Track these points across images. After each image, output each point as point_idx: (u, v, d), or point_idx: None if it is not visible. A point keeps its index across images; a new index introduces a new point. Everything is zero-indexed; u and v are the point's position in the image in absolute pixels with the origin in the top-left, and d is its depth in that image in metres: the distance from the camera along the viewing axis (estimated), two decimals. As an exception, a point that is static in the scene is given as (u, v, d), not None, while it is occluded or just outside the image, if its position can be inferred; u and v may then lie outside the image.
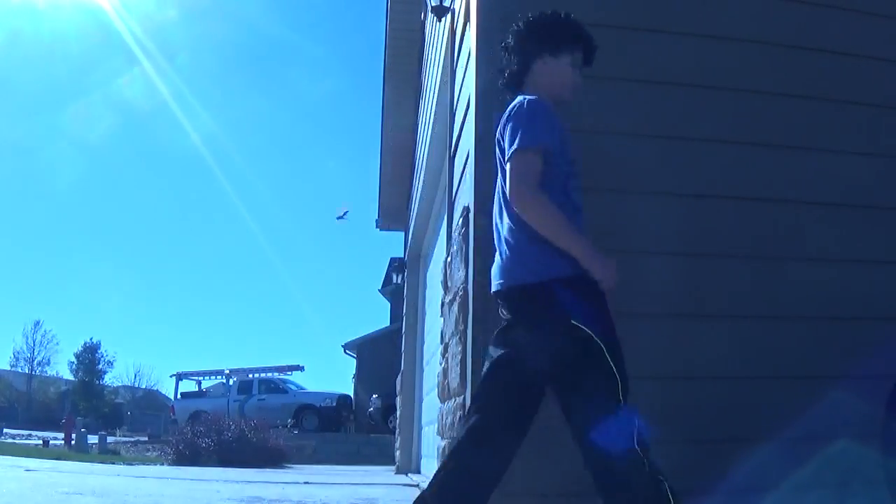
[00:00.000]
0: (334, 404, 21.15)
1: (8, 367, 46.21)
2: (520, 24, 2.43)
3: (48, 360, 47.91)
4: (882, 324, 3.47)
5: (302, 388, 22.58)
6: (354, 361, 23.64)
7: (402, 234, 11.97)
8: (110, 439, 19.82)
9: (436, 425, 5.04)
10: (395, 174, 11.10)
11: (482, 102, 3.53)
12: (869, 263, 3.59)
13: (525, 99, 2.26)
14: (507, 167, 2.19)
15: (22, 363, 47.64)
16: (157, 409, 37.42)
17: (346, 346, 23.87)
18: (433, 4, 5.45)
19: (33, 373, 47.32)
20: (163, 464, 11.88)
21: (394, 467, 10.41)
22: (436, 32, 6.17)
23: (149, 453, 16.16)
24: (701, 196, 3.52)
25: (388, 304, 23.56)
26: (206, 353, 77.00)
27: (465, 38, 4.15)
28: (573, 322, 2.09)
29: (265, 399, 20.90)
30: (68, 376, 46.18)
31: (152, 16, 62.51)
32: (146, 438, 21.96)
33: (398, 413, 10.55)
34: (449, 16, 5.09)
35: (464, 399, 3.45)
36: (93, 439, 18.14)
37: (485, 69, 3.54)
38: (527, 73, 2.37)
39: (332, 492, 5.80)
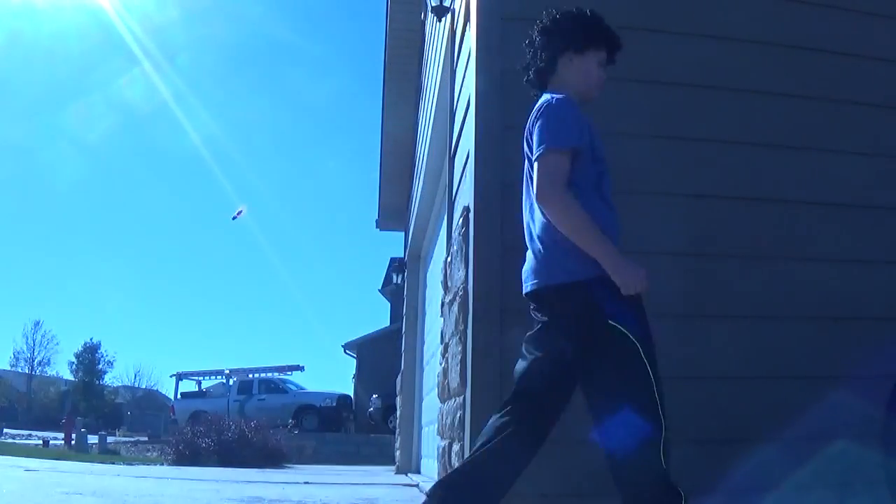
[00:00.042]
0: (334, 404, 21.14)
1: (8, 368, 46.20)
2: (545, 20, 2.37)
3: (48, 360, 47.94)
4: (882, 324, 3.47)
5: (302, 389, 22.55)
6: (354, 361, 23.64)
7: (402, 234, 11.96)
8: (110, 439, 19.78)
9: (436, 425, 5.03)
10: (395, 174, 11.10)
11: (482, 102, 3.53)
12: (869, 263, 3.59)
13: (553, 97, 2.22)
14: (535, 167, 2.16)
15: (22, 363, 47.67)
16: (157, 409, 37.40)
17: (346, 346, 23.87)
18: (433, 4, 5.44)
19: (33, 373, 47.27)
20: (163, 464, 11.88)
21: (394, 467, 10.41)
22: (436, 32, 6.17)
23: (149, 453, 16.16)
24: (701, 196, 3.52)
25: (388, 304, 23.56)
26: (206, 353, 77.14)
27: (465, 38, 4.15)
28: (610, 322, 2.06)
29: (265, 399, 20.88)
30: (68, 376, 46.13)
31: (153, 16, 62.23)
32: (146, 438, 21.91)
33: (398, 413, 10.54)
34: (449, 16, 5.09)
35: (464, 399, 3.45)
36: (93, 439, 18.11)
37: (485, 69, 3.54)
38: (553, 70, 2.33)
39: (332, 492, 5.79)
